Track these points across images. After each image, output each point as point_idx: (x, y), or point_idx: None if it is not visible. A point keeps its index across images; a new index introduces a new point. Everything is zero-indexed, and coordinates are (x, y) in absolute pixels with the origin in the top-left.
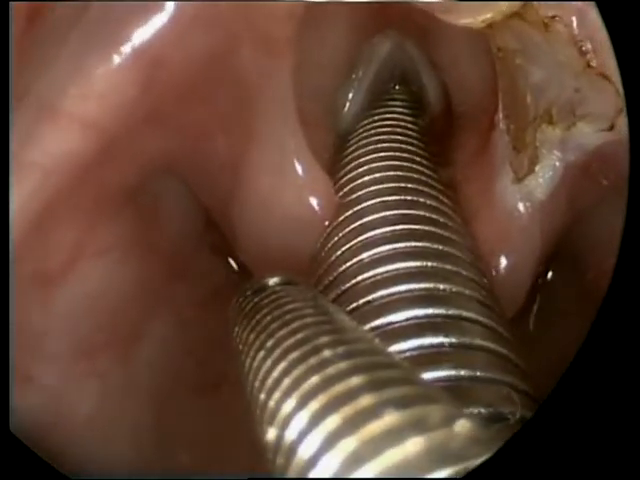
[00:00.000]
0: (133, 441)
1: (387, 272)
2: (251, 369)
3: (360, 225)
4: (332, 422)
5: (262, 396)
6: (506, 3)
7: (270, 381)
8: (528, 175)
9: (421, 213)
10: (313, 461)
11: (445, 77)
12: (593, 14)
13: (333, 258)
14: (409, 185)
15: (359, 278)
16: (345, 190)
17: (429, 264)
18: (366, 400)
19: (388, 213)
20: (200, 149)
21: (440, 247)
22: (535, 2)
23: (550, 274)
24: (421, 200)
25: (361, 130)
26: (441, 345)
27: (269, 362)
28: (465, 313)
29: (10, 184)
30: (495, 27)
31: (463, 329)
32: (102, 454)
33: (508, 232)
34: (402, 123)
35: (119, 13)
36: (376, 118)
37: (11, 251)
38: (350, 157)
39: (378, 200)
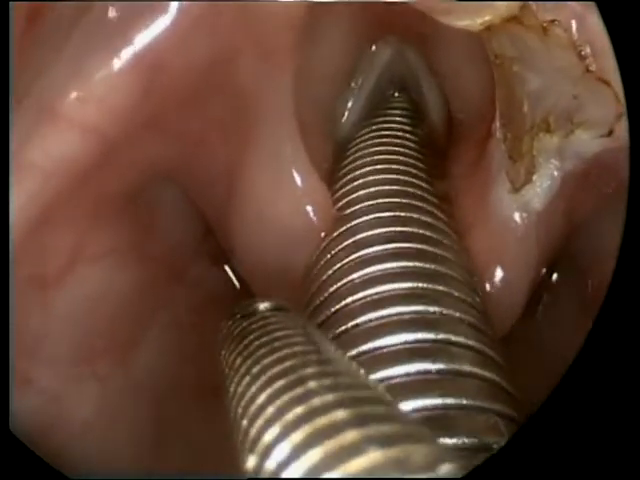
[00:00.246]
0: (131, 445)
1: (377, 294)
2: (235, 394)
3: (353, 242)
4: (314, 455)
5: (245, 422)
6: (505, 5)
7: (253, 408)
8: (525, 185)
9: (415, 230)
10: None
11: (445, 85)
12: (592, 18)
13: (325, 277)
14: (404, 200)
15: (349, 300)
16: (341, 203)
17: (420, 285)
18: (350, 435)
19: (382, 230)
20: (198, 157)
21: (432, 267)
22: (534, 6)
23: (551, 283)
24: (415, 216)
25: (359, 140)
26: (428, 372)
27: (253, 389)
28: (454, 337)
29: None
30: (493, 31)
31: (452, 355)
32: (100, 457)
33: (504, 243)
34: (400, 133)
35: (120, 16)
36: (374, 128)
37: (10, 254)
38: (347, 169)
39: (372, 216)
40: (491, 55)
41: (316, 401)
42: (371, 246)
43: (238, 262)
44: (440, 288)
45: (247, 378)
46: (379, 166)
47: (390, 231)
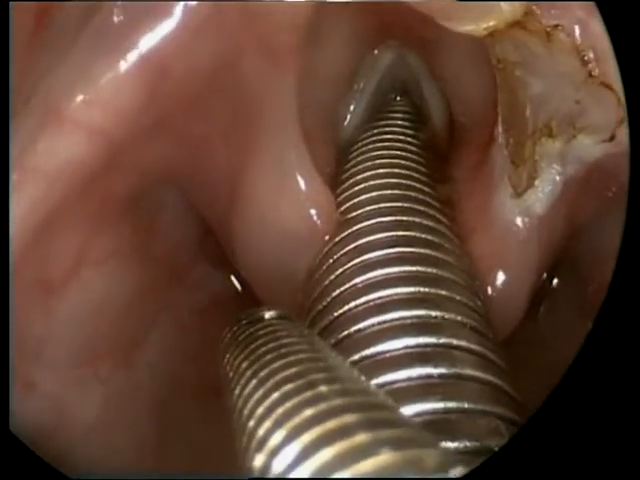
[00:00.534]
0: (134, 446)
1: (380, 298)
2: (240, 397)
3: (355, 247)
4: (325, 455)
5: (251, 424)
6: (509, 10)
7: (261, 410)
8: (527, 190)
9: (417, 235)
10: None
11: (446, 89)
12: (595, 23)
13: (327, 282)
14: (406, 205)
15: (352, 304)
16: (344, 207)
17: (422, 290)
18: (361, 437)
19: (384, 235)
20: (201, 160)
21: (434, 271)
22: (538, 11)
23: (552, 287)
24: (417, 220)
25: (361, 144)
26: (430, 376)
27: (261, 391)
28: (456, 341)
29: (11, 190)
30: (496, 36)
31: (453, 358)
32: (103, 460)
33: (506, 247)
34: (402, 137)
35: (126, 19)
36: (376, 132)
37: (12, 258)
38: (349, 173)
39: (374, 221)
40: (493, 59)
41: (326, 405)
42: (373, 251)
43: (240, 265)
44: (442, 292)
45: (254, 381)
46: (381, 170)
47: (392, 235)
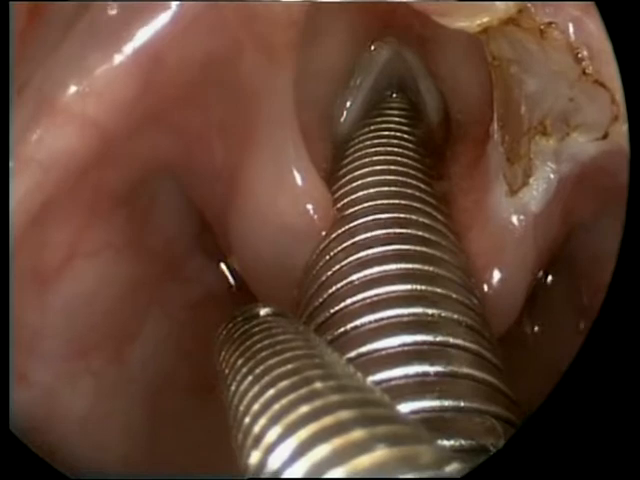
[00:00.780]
0: (126, 439)
1: (376, 296)
2: (236, 394)
3: (352, 244)
4: (321, 451)
5: (247, 420)
6: (502, 7)
7: (257, 406)
8: (522, 188)
9: (413, 232)
10: None
11: (443, 86)
12: (589, 21)
13: (324, 278)
14: (403, 202)
15: (348, 302)
16: (341, 204)
17: (419, 287)
18: (357, 434)
19: (380, 232)
20: (197, 153)
21: (431, 269)
22: (532, 8)
23: (548, 285)
24: (414, 218)
25: (358, 140)
26: (427, 374)
27: (257, 388)
28: (452, 340)
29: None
30: (490, 33)
31: (450, 357)
32: (95, 451)
33: (502, 245)
34: (398, 134)
35: (121, 12)
36: (373, 128)
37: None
38: (346, 169)
39: (371, 218)
40: (489, 57)
41: (322, 401)
42: (370, 248)
43: (236, 259)
44: (438, 290)
45: (249, 378)
46: (378, 167)
47: (389, 233)
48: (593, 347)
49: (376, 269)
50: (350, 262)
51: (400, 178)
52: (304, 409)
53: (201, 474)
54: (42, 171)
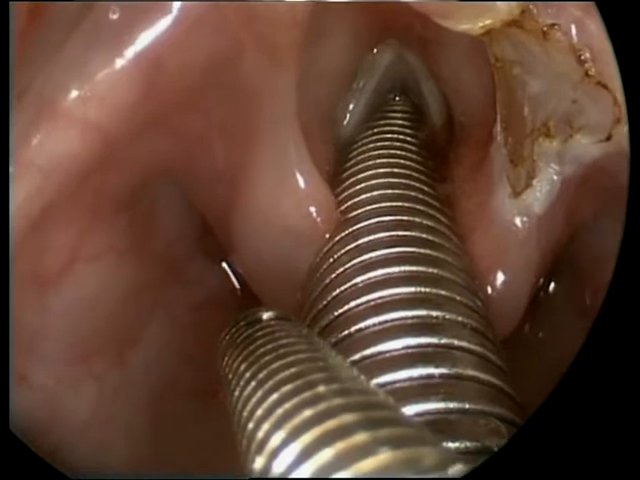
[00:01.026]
0: (128, 442)
1: (380, 298)
2: (240, 399)
3: (356, 246)
4: (325, 455)
5: (250, 426)
6: (505, 9)
7: (260, 411)
8: (526, 189)
9: (417, 234)
10: None
11: (445, 89)
12: (592, 22)
13: (328, 280)
14: (406, 204)
15: (352, 304)
16: (344, 206)
17: (423, 290)
18: (361, 437)
19: (384, 235)
20: (199, 156)
21: (435, 271)
22: (534, 10)
23: (551, 287)
24: (417, 220)
25: (361, 143)
26: (431, 376)
27: (260, 393)
28: (457, 342)
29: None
30: (493, 35)
31: (454, 359)
32: (97, 455)
33: (505, 247)
34: (401, 137)
35: (122, 15)
36: (376, 131)
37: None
38: (349, 172)
39: (375, 220)
40: (492, 58)
41: (325, 405)
42: (374, 250)
43: (239, 262)
44: (443, 292)
45: (253, 383)
46: (381, 170)
47: (393, 235)
48: (593, 347)
49: (380, 272)
50: (354, 265)
51: (403, 181)
52: (308, 413)
53: (203, 476)
54: (42, 176)
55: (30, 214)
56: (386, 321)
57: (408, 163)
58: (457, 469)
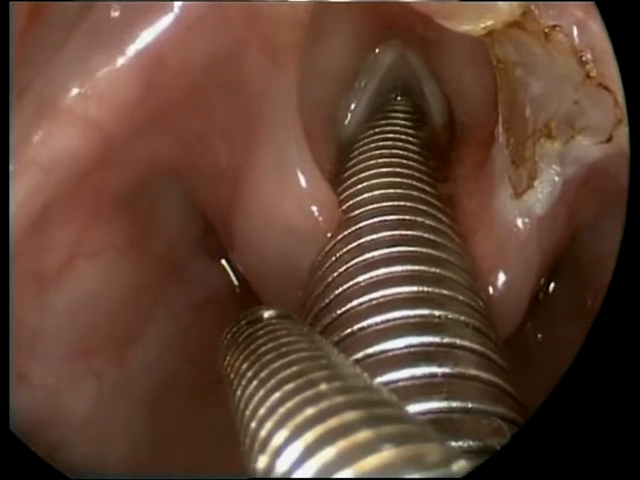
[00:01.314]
0: (128, 441)
1: (383, 297)
2: (242, 398)
3: (358, 245)
4: (328, 453)
5: (253, 425)
6: (507, 10)
7: (263, 411)
8: (527, 190)
9: (419, 234)
10: None
11: (447, 89)
12: (593, 24)
13: (330, 279)
14: (408, 204)
15: (354, 303)
16: (346, 206)
17: (425, 289)
18: (364, 434)
19: (386, 234)
20: (200, 154)
21: (437, 270)
22: (536, 11)
23: (552, 288)
24: (419, 220)
25: (362, 143)
26: (434, 375)
27: (262, 392)
28: (459, 341)
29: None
30: (495, 36)
31: (457, 358)
32: (97, 453)
33: (506, 248)
34: (403, 136)
35: (123, 14)
36: (377, 130)
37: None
38: (351, 171)
39: (377, 220)
40: (494, 59)
41: (327, 403)
42: (376, 249)
43: (240, 261)
44: (445, 292)
45: (254, 382)
46: (383, 169)
47: (395, 234)
48: (594, 347)
49: (382, 270)
50: (356, 263)
51: (405, 180)
52: (310, 411)
53: (202, 475)
54: (42, 173)
55: (30, 212)
56: (388, 320)
57: (410, 163)
58: (461, 465)
